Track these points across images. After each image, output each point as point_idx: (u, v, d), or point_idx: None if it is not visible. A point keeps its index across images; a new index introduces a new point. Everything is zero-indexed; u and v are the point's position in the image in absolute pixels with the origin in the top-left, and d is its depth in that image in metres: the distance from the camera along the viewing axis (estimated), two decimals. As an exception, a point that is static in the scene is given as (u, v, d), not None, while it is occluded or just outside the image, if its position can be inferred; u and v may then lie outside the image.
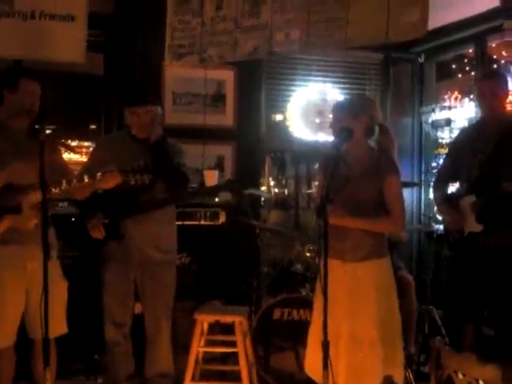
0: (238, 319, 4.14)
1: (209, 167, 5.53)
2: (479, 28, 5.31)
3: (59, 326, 3.53)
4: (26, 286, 3.46)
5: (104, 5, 5.28)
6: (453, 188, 4.41)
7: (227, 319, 4.18)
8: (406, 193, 4.09)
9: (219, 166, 5.66)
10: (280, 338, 4.35)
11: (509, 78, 4.22)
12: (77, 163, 5.30)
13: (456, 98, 5.74)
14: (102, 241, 3.85)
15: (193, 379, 4.11)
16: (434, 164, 6.02)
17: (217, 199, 5.22)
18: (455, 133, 5.35)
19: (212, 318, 4.21)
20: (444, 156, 4.82)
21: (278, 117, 6.06)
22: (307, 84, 6.06)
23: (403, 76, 6.33)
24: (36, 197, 3.20)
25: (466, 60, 5.95)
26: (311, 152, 5.93)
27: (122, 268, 3.92)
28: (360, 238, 3.34)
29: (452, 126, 5.71)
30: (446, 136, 5.88)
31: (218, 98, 5.72)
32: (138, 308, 4.15)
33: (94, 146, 4.79)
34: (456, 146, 4.34)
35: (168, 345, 4.05)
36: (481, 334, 4.12)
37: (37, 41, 4.49)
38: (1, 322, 3.44)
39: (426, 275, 4.95)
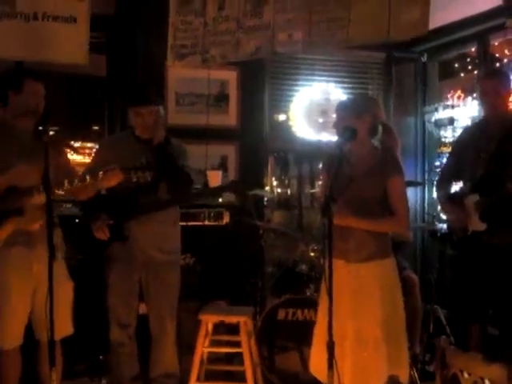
0: (242, 319, 4.14)
1: (212, 167, 5.53)
2: (482, 26, 5.31)
3: (65, 327, 3.54)
4: (32, 287, 3.48)
5: (105, 6, 5.28)
6: (456, 187, 4.41)
7: (232, 319, 4.18)
8: (410, 192, 4.09)
9: (223, 166, 5.67)
10: (284, 338, 4.35)
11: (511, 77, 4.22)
12: (80, 164, 5.30)
13: (459, 97, 5.74)
14: (106, 242, 3.85)
15: (198, 379, 4.11)
16: (437, 163, 6.02)
17: (220, 200, 5.22)
18: (458, 132, 5.35)
19: (217, 319, 4.21)
20: (447, 155, 4.82)
21: (282, 117, 6.07)
22: (310, 84, 6.06)
23: (406, 75, 6.33)
24: (40, 199, 3.21)
25: (468, 59, 5.95)
26: (314, 152, 5.94)
27: (126, 269, 3.93)
28: (363, 238, 3.33)
29: (455, 124, 5.71)
30: (449, 135, 5.88)
31: (221, 98, 5.72)
32: (142, 308, 4.15)
33: (97, 146, 4.80)
34: (459, 144, 4.34)
35: (173, 345, 4.06)
36: (486, 334, 4.12)
37: (39, 42, 4.49)
38: (8, 323, 3.45)
39: (430, 274, 4.94)
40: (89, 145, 6.18)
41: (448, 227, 4.35)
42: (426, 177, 6.18)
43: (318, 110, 6.00)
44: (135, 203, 3.84)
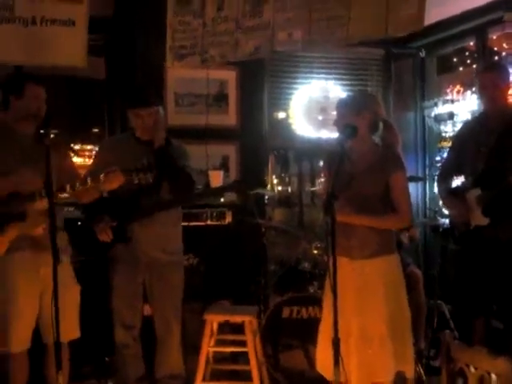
0: (247, 319, 4.14)
1: (213, 167, 5.53)
2: (480, 20, 5.31)
3: (72, 331, 3.56)
4: (39, 290, 3.49)
5: (104, 8, 5.27)
6: (457, 181, 4.41)
7: (237, 319, 4.18)
8: (411, 187, 4.07)
9: (224, 165, 5.67)
10: (289, 336, 4.35)
11: (510, 70, 4.22)
12: (80, 167, 5.30)
13: (458, 92, 5.75)
14: (110, 244, 3.86)
15: (204, 379, 4.12)
16: (437, 158, 6.03)
17: (222, 199, 5.22)
18: (458, 126, 5.35)
19: (222, 318, 4.22)
20: (447, 150, 4.82)
21: (281, 115, 6.07)
22: (309, 81, 6.07)
23: (405, 71, 6.33)
24: (42, 203, 3.22)
25: (467, 53, 5.95)
26: (314, 149, 5.94)
27: (129, 271, 3.93)
28: (366, 235, 3.34)
29: (455, 119, 5.72)
30: (449, 130, 5.88)
31: (221, 98, 5.72)
32: (146, 310, 4.15)
33: (97, 148, 4.80)
34: (459, 139, 4.34)
35: (178, 346, 4.06)
36: (490, 327, 4.12)
37: (38, 46, 4.48)
38: (16, 327, 3.46)
39: (433, 270, 4.94)
40: (89, 147, 6.18)
41: (450, 222, 4.35)
42: (427, 172, 6.18)
43: (318, 108, 6.01)
44: (137, 205, 3.84)
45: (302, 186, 6.15)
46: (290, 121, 6.04)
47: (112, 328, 4.01)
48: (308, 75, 6.08)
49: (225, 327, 4.31)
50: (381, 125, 3.44)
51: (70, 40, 4.53)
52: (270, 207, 5.88)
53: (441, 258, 4.96)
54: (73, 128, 6.31)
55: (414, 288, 4.30)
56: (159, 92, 5.23)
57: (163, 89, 5.52)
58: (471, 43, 5.71)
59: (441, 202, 4.87)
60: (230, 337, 4.36)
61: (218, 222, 5.09)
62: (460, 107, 5.67)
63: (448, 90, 5.88)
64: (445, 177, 4.34)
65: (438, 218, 4.97)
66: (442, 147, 5.96)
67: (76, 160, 5.77)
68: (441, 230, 4.71)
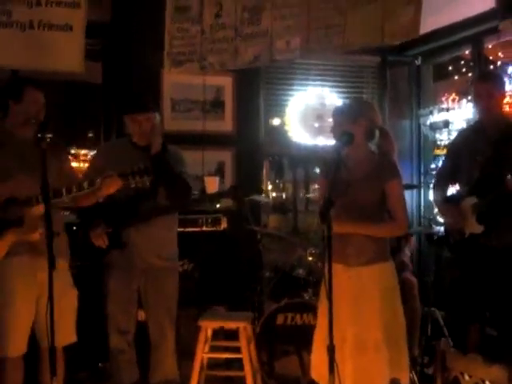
0: (242, 325, 4.14)
1: (209, 173, 5.54)
2: (475, 29, 5.33)
3: (69, 335, 3.56)
4: (36, 295, 3.48)
5: (101, 13, 5.28)
6: (453, 190, 4.42)
7: (231, 325, 4.18)
8: (406, 195, 4.09)
9: (220, 171, 5.67)
10: (284, 342, 4.36)
11: (505, 79, 4.24)
12: (76, 171, 5.30)
13: (453, 100, 5.76)
14: (105, 250, 3.86)
15: (198, 385, 4.12)
16: (432, 166, 6.04)
17: (218, 205, 5.22)
18: (453, 134, 5.37)
19: (216, 324, 4.22)
20: (443, 158, 4.83)
21: (277, 121, 6.08)
22: (305, 88, 6.08)
23: (400, 79, 6.36)
24: (39, 209, 3.22)
25: (462, 61, 5.97)
26: (309, 156, 5.95)
27: (125, 276, 3.92)
28: (362, 242, 3.34)
29: (450, 127, 5.73)
30: (444, 138, 5.90)
31: (217, 104, 5.73)
32: (140, 315, 4.15)
33: (93, 153, 4.80)
34: (454, 147, 4.34)
35: (172, 351, 4.05)
36: (484, 335, 4.13)
37: (35, 51, 4.49)
38: (12, 331, 3.46)
39: (427, 277, 4.95)
40: (83, 152, 6.18)
41: (445, 230, 4.36)
42: (422, 180, 6.19)
43: (314, 115, 6.02)
44: (135, 210, 3.84)
45: (297, 193, 6.16)
46: (286, 127, 6.05)
47: (106, 333, 4.00)
48: (304, 82, 6.10)
49: (219, 333, 4.31)
50: (377, 132, 3.45)
51: (68, 45, 4.53)
52: (265, 213, 5.89)
53: (435, 265, 4.97)
54: (68, 132, 6.31)
55: (408, 294, 4.30)
56: (156, 98, 5.24)
57: (160, 94, 5.53)
58: (467, 52, 5.73)
59: (436, 210, 4.87)
60: (225, 343, 4.36)
61: (214, 228, 5.08)
62: (455, 115, 5.67)
63: (443, 98, 5.90)
64: (440, 185, 4.35)
65: (433, 225, 4.98)
66: (437, 155, 5.98)
67: (72, 165, 5.78)
68: (435, 238, 4.72)
